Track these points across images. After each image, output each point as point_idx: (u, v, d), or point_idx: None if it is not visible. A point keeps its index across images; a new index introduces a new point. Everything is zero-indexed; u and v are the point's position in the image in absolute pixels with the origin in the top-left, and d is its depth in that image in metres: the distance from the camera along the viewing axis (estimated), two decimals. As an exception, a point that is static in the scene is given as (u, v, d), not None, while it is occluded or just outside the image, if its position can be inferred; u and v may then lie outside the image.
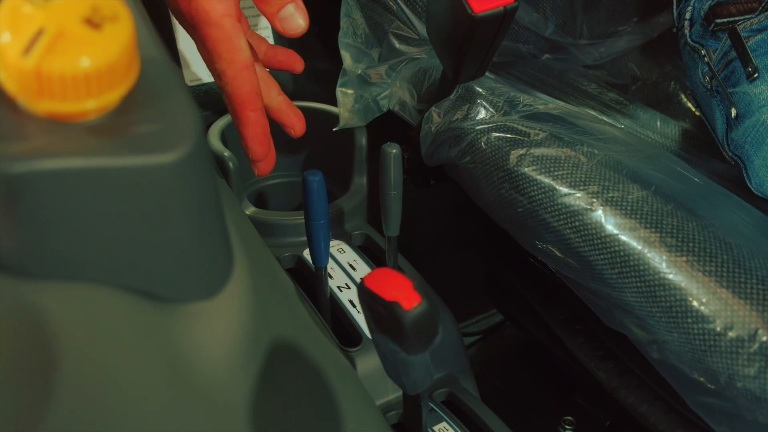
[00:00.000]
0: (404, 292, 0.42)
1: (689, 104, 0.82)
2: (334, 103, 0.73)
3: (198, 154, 0.31)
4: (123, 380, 0.31)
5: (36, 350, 0.29)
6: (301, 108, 0.77)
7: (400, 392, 0.56)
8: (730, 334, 0.44)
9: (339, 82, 0.71)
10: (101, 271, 0.30)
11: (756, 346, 0.43)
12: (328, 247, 0.57)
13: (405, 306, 0.41)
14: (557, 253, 0.56)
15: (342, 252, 0.66)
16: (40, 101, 0.28)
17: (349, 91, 0.71)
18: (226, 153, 0.66)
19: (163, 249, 0.31)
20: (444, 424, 0.55)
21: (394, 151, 0.58)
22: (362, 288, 0.44)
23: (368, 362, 0.57)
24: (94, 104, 0.29)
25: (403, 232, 0.62)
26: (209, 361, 0.33)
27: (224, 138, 0.70)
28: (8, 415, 0.27)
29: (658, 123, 0.76)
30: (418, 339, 0.43)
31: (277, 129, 0.77)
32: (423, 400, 0.50)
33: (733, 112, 0.56)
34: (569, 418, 0.76)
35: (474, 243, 0.86)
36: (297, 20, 0.52)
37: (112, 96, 0.29)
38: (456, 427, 0.55)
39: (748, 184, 0.56)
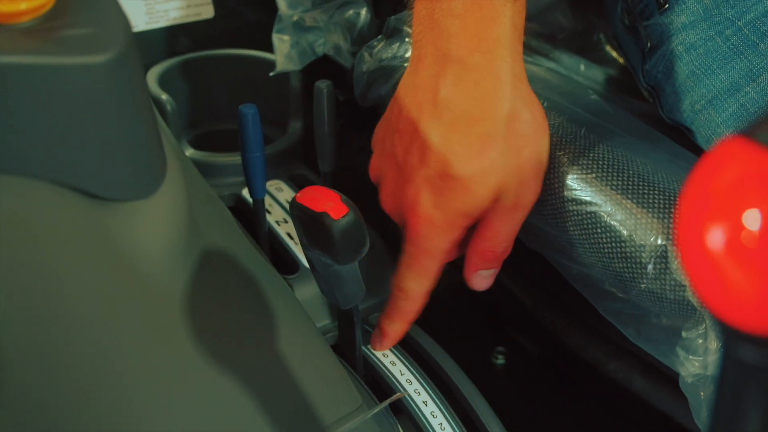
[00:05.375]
0: (333, 204, 0.45)
1: (612, 52, 0.86)
2: (270, 50, 0.75)
3: (128, 56, 0.33)
4: (61, 270, 0.33)
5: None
6: (238, 56, 0.79)
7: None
8: (634, 239, 0.48)
9: (275, 28, 0.73)
10: (38, 167, 0.32)
11: (656, 249, 0.47)
12: (264, 179, 0.59)
13: (333, 216, 0.44)
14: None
15: (280, 190, 0.69)
16: (-25, 1, 0.30)
17: (285, 38, 0.73)
18: (164, 96, 0.68)
19: (96, 147, 0.33)
20: (381, 345, 0.58)
21: (326, 86, 0.60)
22: (294, 204, 0.46)
23: (305, 289, 0.60)
24: (26, 5, 0.30)
25: (345, 185, 0.64)
26: (145, 255, 0.35)
27: (162, 82, 0.71)
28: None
29: (582, 67, 0.80)
30: (348, 248, 0.45)
31: (214, 79, 0.79)
32: (356, 315, 0.53)
33: (648, 45, 0.60)
34: (501, 348, 0.80)
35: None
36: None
37: (45, -3, 0.31)
38: (393, 349, 0.58)
39: (660, 113, 0.60)
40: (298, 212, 0.46)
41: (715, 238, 0.18)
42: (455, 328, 0.91)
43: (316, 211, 0.44)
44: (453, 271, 0.96)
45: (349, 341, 0.55)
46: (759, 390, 0.20)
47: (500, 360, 0.80)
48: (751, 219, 0.18)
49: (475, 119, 0.47)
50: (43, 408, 0.31)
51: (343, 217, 0.44)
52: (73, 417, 0.32)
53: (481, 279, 0.55)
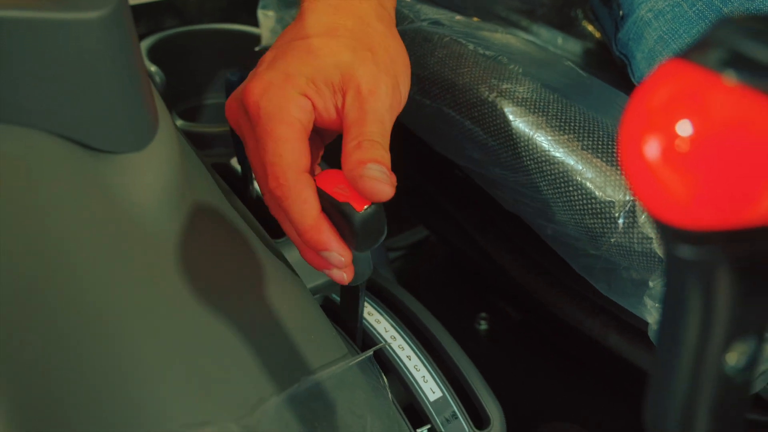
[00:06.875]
0: (356, 194, 0.43)
1: (588, 27, 0.88)
2: (256, 25, 0.76)
3: (121, 13, 0.35)
4: (57, 215, 0.34)
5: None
6: (225, 31, 0.81)
7: (325, 277, 0.61)
8: (604, 196, 0.50)
9: (260, 4, 0.75)
10: (35, 118, 0.34)
11: (624, 204, 0.50)
12: (251, 146, 0.61)
13: (357, 207, 0.43)
14: (463, 147, 0.61)
15: (267, 160, 0.71)
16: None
17: (270, 13, 0.75)
18: (153, 68, 0.70)
19: (91, 100, 0.35)
20: (368, 308, 0.60)
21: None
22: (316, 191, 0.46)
23: (293, 253, 0.62)
24: (25, -38, 0.32)
25: (327, 158, 0.66)
26: (139, 205, 0.37)
27: (151, 56, 0.73)
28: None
29: (560, 41, 0.83)
30: (367, 238, 0.44)
31: (202, 53, 0.81)
32: (361, 290, 0.54)
33: (621, 13, 0.62)
34: (484, 314, 0.82)
35: (395, 164, 0.91)
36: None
37: (42, -46, 0.32)
38: (377, 308, 0.60)
39: (632, 79, 0.63)
40: (319, 199, 0.45)
41: (653, 147, 0.21)
42: (438, 296, 0.93)
43: (339, 200, 0.43)
44: (438, 239, 0.98)
45: (350, 311, 0.56)
46: (698, 285, 0.22)
47: (483, 325, 0.82)
48: (684, 128, 0.20)
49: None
50: (36, 343, 0.33)
51: (366, 208, 0.43)
52: (66, 356, 0.34)
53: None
